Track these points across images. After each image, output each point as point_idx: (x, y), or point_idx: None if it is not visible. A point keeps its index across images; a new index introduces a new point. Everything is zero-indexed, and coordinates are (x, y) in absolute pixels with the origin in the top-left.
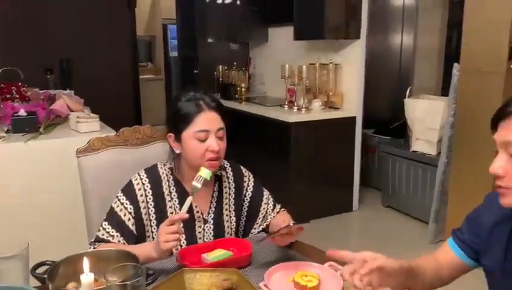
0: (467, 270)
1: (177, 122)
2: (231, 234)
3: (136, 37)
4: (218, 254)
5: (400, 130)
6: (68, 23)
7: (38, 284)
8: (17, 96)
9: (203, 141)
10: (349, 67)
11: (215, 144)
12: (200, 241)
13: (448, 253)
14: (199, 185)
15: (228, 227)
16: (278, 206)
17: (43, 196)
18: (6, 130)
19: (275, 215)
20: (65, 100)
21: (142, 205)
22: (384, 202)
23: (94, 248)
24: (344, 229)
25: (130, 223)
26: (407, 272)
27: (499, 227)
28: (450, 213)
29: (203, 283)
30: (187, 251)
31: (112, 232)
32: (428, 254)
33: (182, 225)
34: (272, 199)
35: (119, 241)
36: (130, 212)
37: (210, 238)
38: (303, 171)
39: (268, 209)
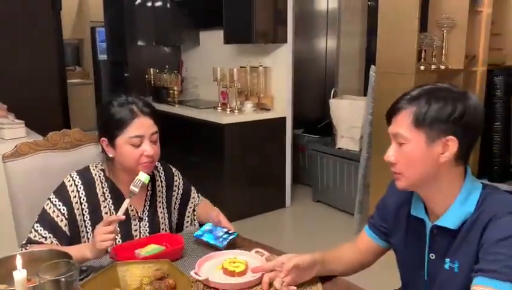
0: (383, 252)
1: (110, 128)
2: (166, 230)
3: (62, 40)
4: (151, 249)
5: (326, 129)
6: None
7: None
8: None
9: (138, 146)
10: (278, 70)
11: (150, 148)
12: (136, 238)
13: (365, 238)
14: (137, 189)
15: (162, 223)
16: (201, 197)
17: None
18: None
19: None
20: None
21: (75, 206)
22: (315, 197)
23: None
24: (277, 225)
25: (63, 225)
26: (323, 261)
27: (400, 209)
28: (372, 204)
29: (136, 275)
30: (120, 248)
31: (44, 233)
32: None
33: (117, 224)
34: (197, 194)
35: (51, 242)
36: (63, 214)
37: (146, 235)
38: (237, 170)
39: (195, 202)
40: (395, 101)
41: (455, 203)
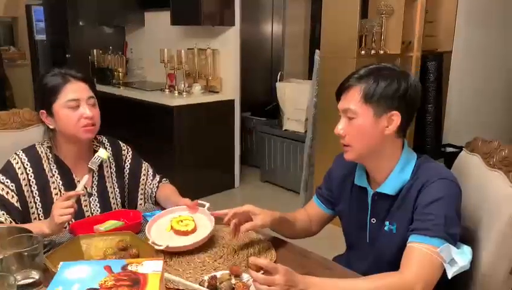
0: (329, 219)
1: (45, 97)
2: (118, 206)
3: None
4: (110, 224)
5: (273, 112)
6: None
7: None
8: None
9: (75, 109)
10: (226, 53)
11: (88, 110)
12: (87, 214)
13: (314, 207)
14: (95, 166)
15: (113, 198)
16: (158, 176)
17: None
18: None
19: (158, 186)
20: None
21: (23, 183)
22: (263, 178)
23: None
24: (227, 205)
25: (14, 201)
26: (279, 219)
27: (345, 180)
28: (316, 181)
29: (99, 247)
30: (79, 224)
31: None
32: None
33: (75, 199)
34: (151, 170)
35: (6, 219)
36: (12, 190)
37: (97, 211)
38: (186, 152)
39: (148, 179)
40: (344, 79)
41: (394, 172)
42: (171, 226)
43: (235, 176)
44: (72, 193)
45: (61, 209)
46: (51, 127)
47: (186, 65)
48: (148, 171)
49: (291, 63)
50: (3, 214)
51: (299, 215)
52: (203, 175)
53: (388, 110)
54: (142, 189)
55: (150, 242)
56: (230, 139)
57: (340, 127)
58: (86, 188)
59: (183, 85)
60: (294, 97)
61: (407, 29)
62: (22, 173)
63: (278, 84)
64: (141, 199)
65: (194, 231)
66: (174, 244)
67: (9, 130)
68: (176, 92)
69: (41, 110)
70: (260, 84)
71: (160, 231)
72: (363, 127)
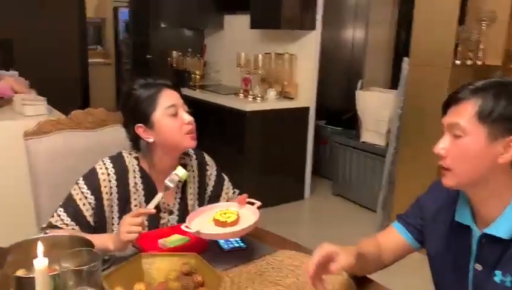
0: (409, 252)
1: (141, 110)
2: None
3: (85, 19)
4: (176, 239)
5: (350, 122)
6: (11, 2)
7: None
8: None
9: (175, 116)
10: (304, 58)
11: (188, 116)
12: None
13: (394, 236)
14: (172, 185)
15: None
16: (237, 192)
17: None
18: None
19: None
20: (9, 81)
21: (105, 197)
22: (334, 191)
23: (45, 234)
24: (295, 217)
25: (88, 214)
26: (358, 255)
27: (441, 212)
28: (397, 201)
29: (162, 268)
30: (143, 236)
31: (67, 220)
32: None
33: (146, 218)
34: (231, 186)
35: (73, 229)
36: (89, 203)
37: None
38: (257, 160)
39: (228, 197)
40: (455, 90)
41: (508, 210)
42: (213, 217)
43: (305, 187)
44: (142, 210)
45: (129, 226)
46: (150, 140)
47: (262, 70)
48: (229, 189)
49: (372, 70)
50: (73, 225)
51: (369, 246)
52: (272, 183)
53: (506, 134)
54: None
55: (182, 226)
56: (303, 147)
57: (442, 145)
58: (168, 205)
59: (257, 90)
60: (376, 107)
61: (510, 38)
62: (106, 186)
63: (358, 93)
64: None
65: (233, 223)
66: (206, 231)
67: (83, 130)
68: (250, 96)
69: (138, 125)
70: (338, 92)
71: (202, 220)
72: (471, 149)
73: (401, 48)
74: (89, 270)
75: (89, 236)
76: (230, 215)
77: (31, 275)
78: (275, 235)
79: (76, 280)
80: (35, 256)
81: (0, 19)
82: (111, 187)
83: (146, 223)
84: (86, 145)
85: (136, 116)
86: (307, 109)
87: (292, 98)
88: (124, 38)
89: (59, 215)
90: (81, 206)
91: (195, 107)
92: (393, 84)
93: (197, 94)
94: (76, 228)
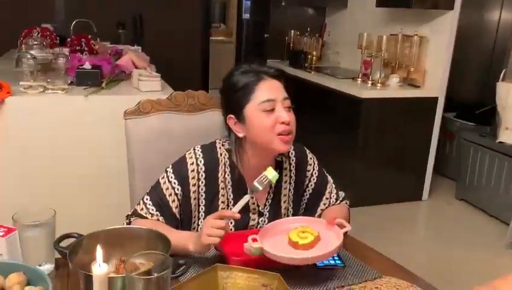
0: None
1: (235, 99)
2: None
3: None
4: (253, 237)
5: (486, 117)
6: None
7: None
8: (86, 48)
9: (270, 113)
10: (436, 42)
11: (285, 114)
12: None
13: None
14: (261, 187)
15: None
16: (342, 196)
17: (92, 156)
18: (70, 82)
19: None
20: (131, 56)
21: (192, 188)
22: (459, 195)
23: (129, 222)
24: (410, 220)
25: (174, 206)
26: None
27: None
28: None
29: (239, 285)
30: (228, 236)
31: (152, 210)
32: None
33: (231, 223)
34: (335, 191)
35: (158, 219)
36: (176, 194)
37: None
38: (371, 152)
39: (331, 201)
40: None
41: None
42: (288, 235)
43: (425, 187)
44: (227, 212)
45: (211, 228)
46: (240, 135)
47: (386, 53)
48: (332, 191)
49: None
50: (157, 215)
51: None
52: (386, 180)
53: None
54: (320, 211)
55: (249, 238)
56: (426, 143)
57: None
58: (259, 206)
59: (378, 75)
60: None
61: None
62: (194, 177)
63: (500, 84)
64: None
65: (306, 247)
66: (269, 249)
67: (182, 112)
68: (370, 82)
69: (229, 115)
70: (473, 82)
71: (277, 237)
72: None
73: None
74: (158, 278)
75: (169, 231)
76: (307, 236)
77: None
78: (381, 256)
79: (143, 286)
80: (113, 245)
81: None
82: (199, 179)
83: (230, 227)
84: (183, 128)
85: (229, 105)
86: (434, 100)
87: (418, 87)
88: (246, 17)
89: (145, 204)
90: (167, 196)
91: (307, 90)
92: None
93: (311, 76)
94: (161, 218)
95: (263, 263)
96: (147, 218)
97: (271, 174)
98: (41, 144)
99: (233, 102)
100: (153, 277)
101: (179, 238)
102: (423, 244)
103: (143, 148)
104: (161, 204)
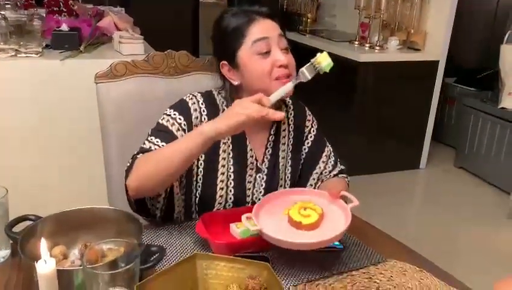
0: None
1: (227, 43)
2: (284, 188)
3: None
4: (249, 226)
5: (488, 82)
6: None
7: None
8: (64, 9)
9: (266, 54)
10: (438, 2)
11: (283, 55)
12: (248, 192)
13: None
14: (310, 75)
15: (282, 179)
16: (339, 167)
17: (66, 124)
18: (45, 45)
19: (331, 178)
20: (112, 17)
21: (195, 127)
22: (457, 163)
23: (133, 161)
24: (407, 188)
25: (179, 135)
26: None
27: None
28: None
29: (221, 277)
30: (211, 216)
31: (157, 142)
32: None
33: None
34: (333, 157)
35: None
36: (183, 129)
37: (261, 191)
38: (368, 118)
39: (327, 168)
40: None
41: None
42: (288, 210)
43: (422, 155)
44: (264, 97)
45: (249, 102)
46: (235, 83)
47: (384, 13)
48: (330, 157)
49: None
50: (164, 145)
51: None
52: (383, 147)
53: None
54: (314, 178)
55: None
56: (424, 109)
57: None
58: (257, 161)
59: (377, 38)
60: None
61: None
62: (197, 117)
63: (504, 47)
64: (311, 186)
65: (310, 227)
66: (268, 232)
67: (161, 75)
68: (367, 45)
69: (222, 62)
70: (474, 44)
71: (274, 212)
72: None
73: None
74: (122, 272)
75: (176, 140)
76: (311, 214)
77: (63, 267)
78: (384, 236)
79: (108, 279)
80: (76, 228)
81: None
82: (202, 121)
83: (231, 176)
84: (162, 93)
85: (220, 51)
86: (435, 64)
87: (418, 50)
88: None
89: (151, 141)
90: (174, 131)
91: (302, 53)
92: None
93: (306, 40)
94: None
95: (251, 245)
96: (152, 150)
97: (325, 60)
98: (12, 111)
99: (225, 47)
100: (116, 271)
101: (188, 134)
102: (420, 215)
103: (117, 114)
104: (168, 137)
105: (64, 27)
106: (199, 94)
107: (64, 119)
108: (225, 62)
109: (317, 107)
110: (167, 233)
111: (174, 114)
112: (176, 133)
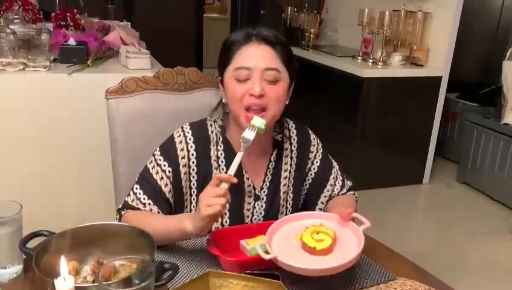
0: None
1: (221, 59)
2: (286, 214)
3: None
4: (259, 243)
5: (490, 97)
6: None
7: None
8: (71, 24)
9: (243, 82)
10: (441, 18)
11: (258, 85)
12: (247, 220)
13: None
14: (251, 138)
15: (283, 207)
16: (347, 185)
17: (74, 137)
18: (53, 59)
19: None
20: (119, 32)
21: (182, 170)
22: (460, 178)
23: (120, 217)
24: (410, 203)
25: (167, 190)
26: None
27: None
28: None
29: None
30: (221, 233)
31: (144, 199)
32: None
33: (225, 213)
34: (340, 176)
35: (151, 209)
36: (168, 177)
37: (260, 219)
38: (371, 133)
39: (335, 189)
40: None
41: None
42: (301, 236)
43: (426, 170)
44: (223, 175)
45: (211, 197)
46: (223, 101)
47: (387, 29)
48: (337, 178)
49: None
50: (150, 204)
51: None
52: (387, 162)
53: None
54: (323, 201)
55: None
56: (428, 124)
57: None
58: (255, 189)
59: (380, 53)
60: None
61: None
62: (184, 157)
63: (506, 64)
64: (320, 210)
65: (324, 252)
66: (284, 260)
67: (171, 91)
68: (370, 61)
69: (219, 77)
70: (476, 60)
71: (287, 236)
72: None
73: None
74: (141, 288)
75: (164, 218)
76: (324, 238)
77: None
78: (393, 253)
79: None
80: (88, 244)
81: None
82: (189, 159)
83: (227, 207)
84: (172, 109)
85: (218, 65)
86: (438, 79)
87: (421, 66)
88: None
89: (135, 194)
90: (158, 181)
91: (305, 69)
92: None
93: (309, 55)
94: (154, 208)
95: (262, 262)
96: (139, 209)
97: (257, 121)
98: (20, 125)
99: (220, 61)
100: (133, 289)
101: (175, 221)
102: (423, 230)
103: (127, 130)
104: (153, 191)
105: (72, 41)
106: (188, 127)
107: (72, 132)
108: (220, 77)
109: (322, 122)
110: (178, 248)
111: (160, 159)
112: (163, 189)
